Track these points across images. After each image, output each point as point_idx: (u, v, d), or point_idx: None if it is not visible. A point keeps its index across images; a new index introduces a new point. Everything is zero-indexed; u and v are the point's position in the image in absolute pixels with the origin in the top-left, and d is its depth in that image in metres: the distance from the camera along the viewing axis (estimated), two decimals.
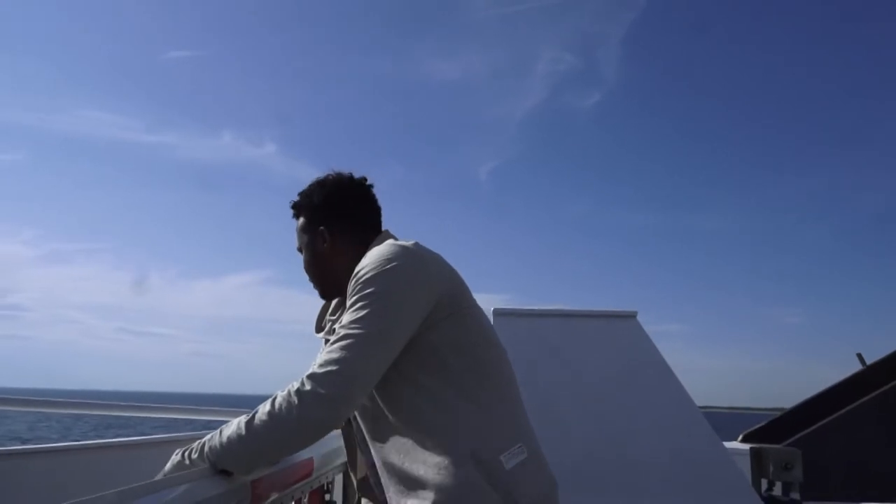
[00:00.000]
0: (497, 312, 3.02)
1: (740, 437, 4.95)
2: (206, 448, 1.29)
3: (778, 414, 5.33)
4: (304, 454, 1.68)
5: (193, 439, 1.35)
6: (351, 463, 1.67)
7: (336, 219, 1.65)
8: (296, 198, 1.72)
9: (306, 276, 1.71)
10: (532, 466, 1.38)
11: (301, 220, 1.69)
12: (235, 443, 1.26)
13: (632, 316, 2.96)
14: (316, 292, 1.71)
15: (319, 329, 1.69)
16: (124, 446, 1.92)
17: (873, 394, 4.50)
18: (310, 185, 1.70)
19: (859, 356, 5.57)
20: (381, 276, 1.38)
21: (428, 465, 1.36)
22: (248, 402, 1.35)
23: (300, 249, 1.71)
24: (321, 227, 1.64)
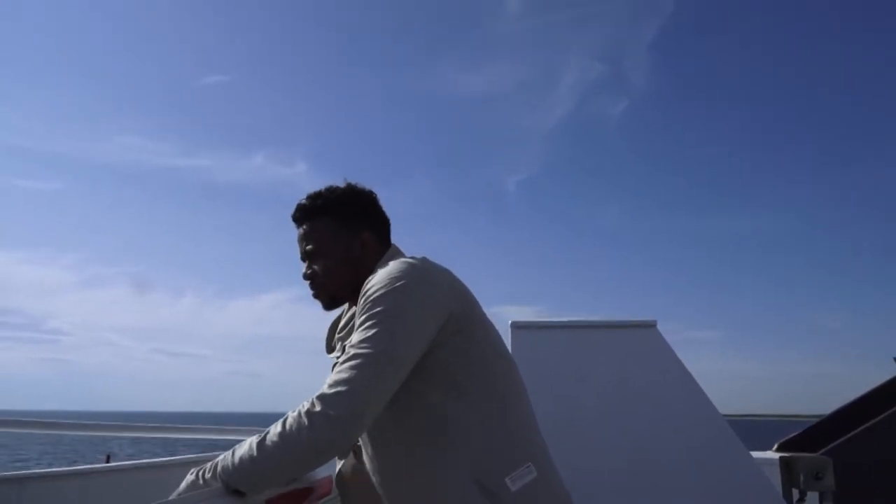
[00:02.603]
0: (515, 325, 3.00)
1: (775, 447, 4.81)
2: (219, 468, 1.30)
3: (818, 421, 5.16)
4: (322, 472, 1.67)
5: (208, 460, 1.37)
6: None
7: (371, 225, 1.64)
8: (304, 200, 1.65)
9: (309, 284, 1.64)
10: (541, 485, 1.37)
11: (322, 220, 1.62)
12: (247, 463, 1.27)
13: (651, 325, 2.91)
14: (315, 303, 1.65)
15: (330, 349, 1.67)
16: (142, 468, 1.95)
17: None
18: (335, 189, 1.66)
19: None
20: (390, 294, 1.37)
21: (429, 492, 1.36)
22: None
23: (312, 253, 1.63)
24: (365, 232, 1.61)
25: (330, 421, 1.24)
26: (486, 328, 1.50)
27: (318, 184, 1.69)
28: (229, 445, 1.35)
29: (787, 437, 4.96)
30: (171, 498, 1.22)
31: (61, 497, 1.58)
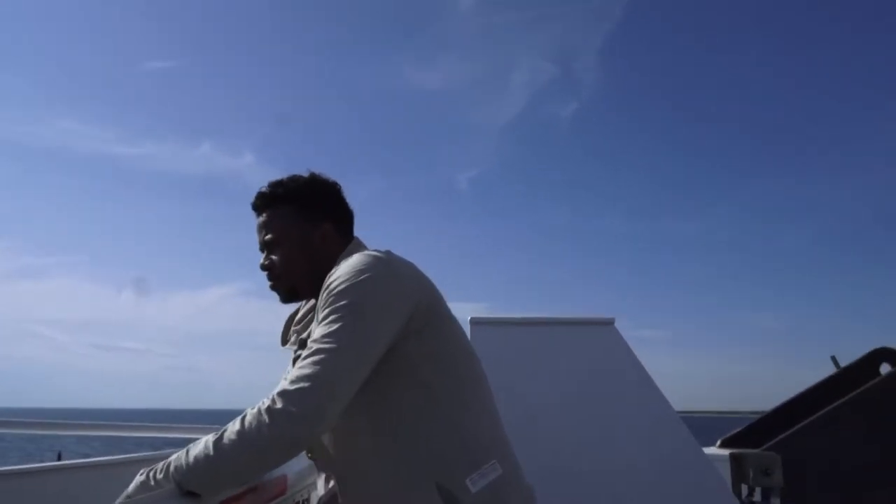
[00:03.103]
0: (474, 321, 2.99)
1: (718, 443, 4.95)
2: (172, 468, 1.23)
3: (757, 417, 5.34)
4: (276, 472, 1.63)
5: (158, 459, 1.30)
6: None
7: (334, 217, 1.59)
8: (265, 188, 1.59)
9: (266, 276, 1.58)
10: (504, 483, 1.35)
11: (283, 209, 1.56)
12: (203, 463, 1.20)
13: (609, 323, 2.95)
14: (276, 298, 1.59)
15: (285, 341, 1.62)
16: (85, 467, 1.85)
17: (848, 396, 4.54)
18: (298, 178, 1.59)
19: (833, 359, 5.63)
20: (354, 287, 1.33)
21: (388, 494, 1.34)
22: (226, 417, 1.31)
23: (271, 243, 1.56)
24: (327, 223, 1.56)
25: (292, 418, 1.19)
26: (451, 323, 1.49)
27: (266, 176, 1.62)
28: (182, 444, 1.29)
29: (730, 433, 5.10)
30: (119, 501, 1.15)
31: (10, 496, 1.50)
